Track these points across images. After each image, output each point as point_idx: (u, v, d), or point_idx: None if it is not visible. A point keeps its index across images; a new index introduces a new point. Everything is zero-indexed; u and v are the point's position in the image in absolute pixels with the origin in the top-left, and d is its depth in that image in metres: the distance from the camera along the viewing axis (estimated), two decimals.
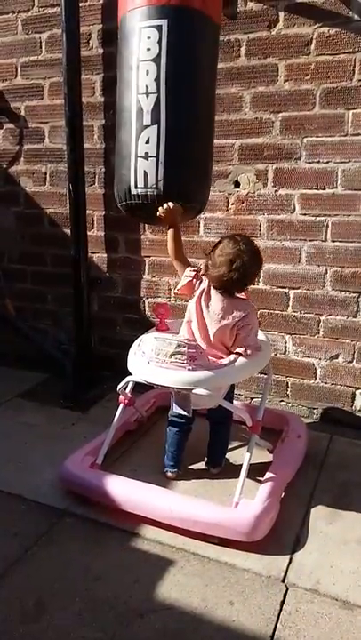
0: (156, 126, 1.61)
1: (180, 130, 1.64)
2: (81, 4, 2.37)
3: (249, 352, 1.76)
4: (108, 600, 1.41)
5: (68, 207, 2.58)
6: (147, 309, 2.64)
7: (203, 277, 1.82)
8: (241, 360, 1.75)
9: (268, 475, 1.81)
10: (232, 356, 1.76)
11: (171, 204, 1.75)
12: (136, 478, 1.82)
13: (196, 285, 1.83)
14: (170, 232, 1.84)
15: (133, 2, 1.65)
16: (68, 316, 2.72)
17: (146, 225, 2.53)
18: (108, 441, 1.92)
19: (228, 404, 1.84)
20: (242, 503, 1.67)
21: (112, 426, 1.95)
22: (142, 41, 1.61)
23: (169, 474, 1.93)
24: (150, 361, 1.71)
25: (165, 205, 1.75)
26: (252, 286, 1.98)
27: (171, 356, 1.66)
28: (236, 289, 1.80)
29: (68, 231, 2.62)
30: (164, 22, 1.59)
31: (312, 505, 1.79)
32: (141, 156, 1.63)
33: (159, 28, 1.59)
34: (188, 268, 1.86)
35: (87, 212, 2.57)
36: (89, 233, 2.61)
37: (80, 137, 2.46)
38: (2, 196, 2.85)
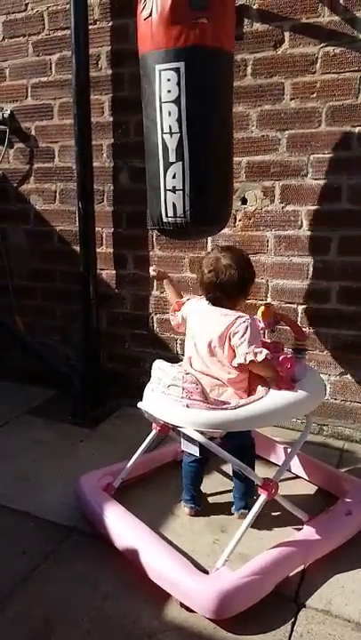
0: (180, 163, 1.78)
1: (202, 164, 1.80)
2: (90, 27, 2.42)
3: (251, 357, 1.55)
4: (116, 619, 1.39)
5: (77, 225, 2.60)
6: (155, 325, 2.65)
7: (189, 300, 1.85)
8: (258, 405, 1.53)
9: (276, 549, 1.53)
10: (243, 401, 1.56)
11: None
12: (154, 504, 1.80)
13: (181, 310, 1.84)
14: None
15: (152, 43, 1.74)
16: (77, 332, 2.73)
17: (154, 242, 2.55)
18: (129, 465, 1.82)
19: (220, 451, 1.55)
20: (220, 571, 1.44)
21: (139, 450, 1.83)
22: (163, 83, 1.75)
23: (186, 510, 1.80)
24: (154, 389, 1.66)
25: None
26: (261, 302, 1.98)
27: (168, 387, 1.58)
28: (224, 294, 1.67)
29: (77, 248, 2.65)
30: (181, 65, 1.70)
31: None
32: (170, 190, 1.81)
33: (177, 70, 1.71)
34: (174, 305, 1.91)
35: (96, 229, 2.59)
36: (98, 250, 2.63)
37: (89, 156, 2.49)
38: (12, 214, 2.89)
